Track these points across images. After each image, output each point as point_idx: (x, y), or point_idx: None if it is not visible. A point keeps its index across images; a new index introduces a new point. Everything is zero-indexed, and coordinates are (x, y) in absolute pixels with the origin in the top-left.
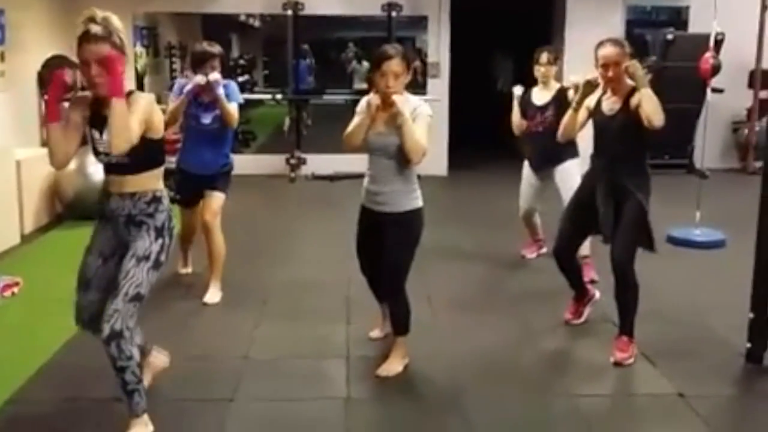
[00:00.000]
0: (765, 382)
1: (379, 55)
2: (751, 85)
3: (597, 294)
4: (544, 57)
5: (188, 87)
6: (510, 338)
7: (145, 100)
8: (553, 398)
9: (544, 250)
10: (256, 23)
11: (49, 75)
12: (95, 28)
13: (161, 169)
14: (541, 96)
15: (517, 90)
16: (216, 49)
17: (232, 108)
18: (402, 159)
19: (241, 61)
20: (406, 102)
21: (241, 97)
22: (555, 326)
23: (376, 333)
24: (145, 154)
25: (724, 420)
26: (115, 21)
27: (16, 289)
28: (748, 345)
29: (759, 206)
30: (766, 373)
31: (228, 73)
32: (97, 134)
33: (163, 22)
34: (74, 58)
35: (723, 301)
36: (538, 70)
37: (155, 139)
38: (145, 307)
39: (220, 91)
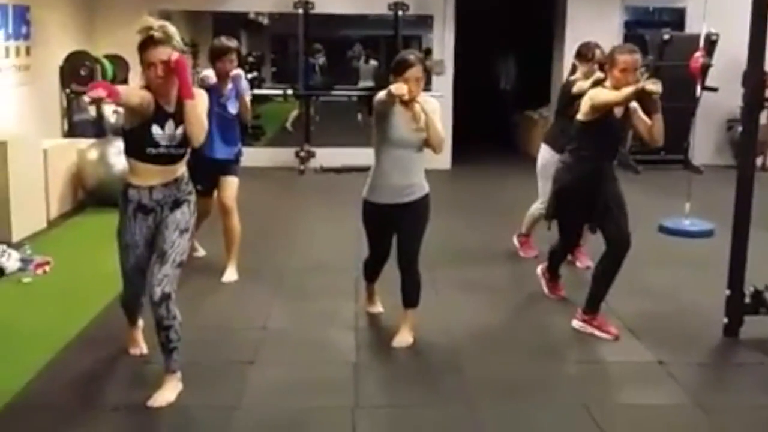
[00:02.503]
0: (739, 353)
1: (402, 63)
2: (744, 84)
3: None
4: (598, 53)
5: (211, 81)
6: (506, 312)
7: (204, 96)
8: (543, 363)
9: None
10: (265, 21)
11: (68, 74)
12: (157, 34)
13: None
14: (580, 87)
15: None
16: (233, 43)
17: (248, 101)
18: (422, 152)
19: (250, 58)
20: (425, 101)
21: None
22: (547, 302)
23: (377, 309)
24: (188, 142)
25: (699, 384)
26: (171, 27)
27: (47, 268)
28: (725, 320)
29: (735, 195)
30: (740, 345)
31: (242, 66)
32: (158, 129)
33: (175, 19)
34: (94, 53)
35: (706, 283)
36: (587, 66)
37: None
38: None
39: (244, 83)
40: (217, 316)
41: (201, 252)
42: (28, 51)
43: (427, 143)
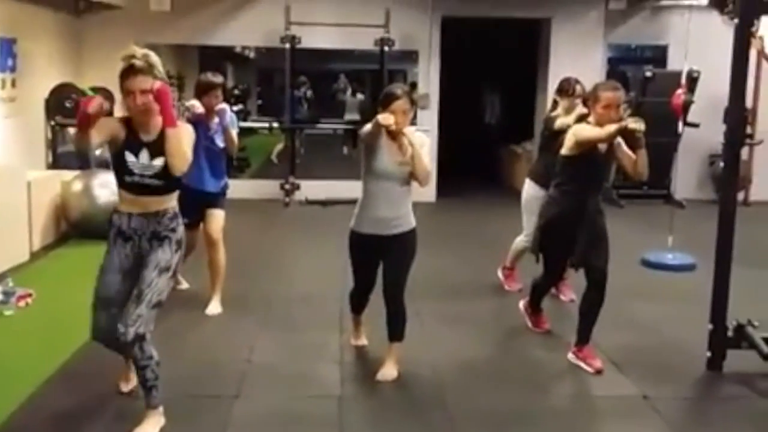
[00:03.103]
0: (722, 387)
1: (389, 96)
2: (725, 120)
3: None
4: (578, 88)
5: (197, 112)
6: (490, 345)
7: (189, 128)
8: (529, 396)
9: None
10: (251, 54)
11: (53, 106)
12: (138, 63)
13: (178, 191)
14: (561, 123)
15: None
16: (219, 79)
17: (234, 134)
18: (408, 185)
19: (236, 91)
20: (412, 134)
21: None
22: (531, 335)
23: (361, 341)
24: (175, 177)
25: (683, 419)
26: (154, 56)
27: (29, 300)
28: (708, 354)
29: (717, 230)
30: (723, 379)
31: (225, 101)
32: (132, 157)
33: (162, 52)
34: (80, 85)
35: (689, 317)
36: (568, 101)
37: None
38: None
39: (227, 120)
40: (201, 349)
41: (185, 285)
42: (14, 83)
43: (412, 176)
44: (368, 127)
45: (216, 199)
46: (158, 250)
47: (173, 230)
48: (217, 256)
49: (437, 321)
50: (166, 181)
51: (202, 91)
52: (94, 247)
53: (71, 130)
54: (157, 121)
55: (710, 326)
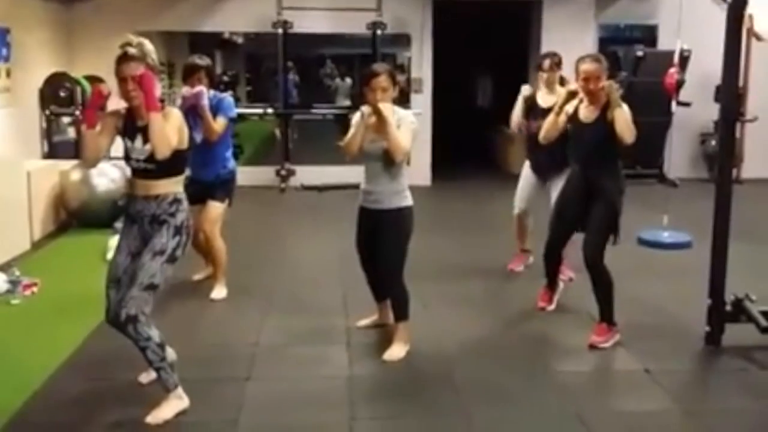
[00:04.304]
0: (721, 360)
1: (368, 73)
2: (716, 99)
3: (561, 284)
4: (546, 63)
5: (187, 95)
6: (493, 324)
7: (176, 114)
8: (533, 372)
9: (531, 260)
10: (240, 40)
11: (46, 96)
12: (132, 50)
13: (182, 175)
14: (547, 99)
15: (525, 90)
16: (203, 61)
17: (217, 122)
18: (388, 161)
19: (225, 78)
20: (392, 112)
21: (234, 112)
22: (533, 314)
23: (363, 322)
24: (171, 162)
25: (684, 391)
26: (148, 45)
27: (35, 289)
28: (707, 329)
29: (714, 206)
30: (722, 353)
31: (216, 86)
32: (129, 143)
33: (153, 39)
34: (73, 74)
35: (687, 293)
36: (542, 76)
37: (181, 150)
38: (159, 305)
39: (204, 101)
40: (210, 334)
41: (202, 275)
42: (8, 73)
43: (386, 153)
44: (356, 117)
45: (211, 189)
46: (156, 233)
47: (172, 215)
48: (214, 249)
49: (440, 301)
50: (157, 165)
51: (186, 74)
52: (93, 235)
53: (65, 120)
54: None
55: (709, 301)
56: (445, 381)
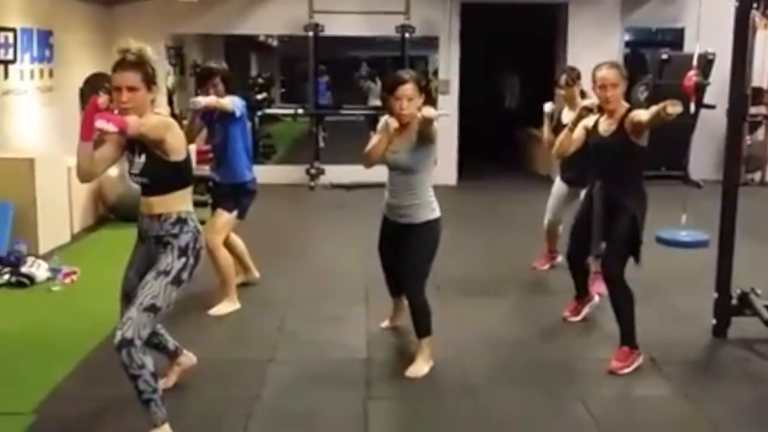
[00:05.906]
0: (726, 351)
1: (394, 80)
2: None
3: (596, 298)
4: (562, 80)
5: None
6: (514, 329)
7: (163, 119)
8: (541, 357)
9: (559, 259)
10: (275, 43)
11: (87, 96)
12: (130, 57)
13: (187, 189)
14: (569, 115)
15: (547, 107)
16: (218, 66)
17: (225, 102)
18: (414, 175)
19: (260, 80)
20: (435, 114)
21: (238, 109)
22: (555, 321)
23: (386, 323)
24: (165, 175)
25: (688, 379)
26: (149, 52)
27: (74, 277)
28: (714, 321)
29: (721, 203)
30: (727, 344)
31: (236, 90)
32: (130, 155)
33: (188, 42)
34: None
35: (698, 289)
36: (559, 93)
37: (175, 161)
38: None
39: (201, 105)
40: (234, 320)
41: (256, 274)
42: (51, 73)
43: (409, 169)
44: (382, 125)
45: (221, 195)
46: (162, 254)
47: (175, 236)
48: (216, 258)
49: (459, 300)
50: (149, 179)
51: (200, 79)
52: (130, 229)
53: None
54: (145, 118)
55: (715, 295)
56: (456, 367)
